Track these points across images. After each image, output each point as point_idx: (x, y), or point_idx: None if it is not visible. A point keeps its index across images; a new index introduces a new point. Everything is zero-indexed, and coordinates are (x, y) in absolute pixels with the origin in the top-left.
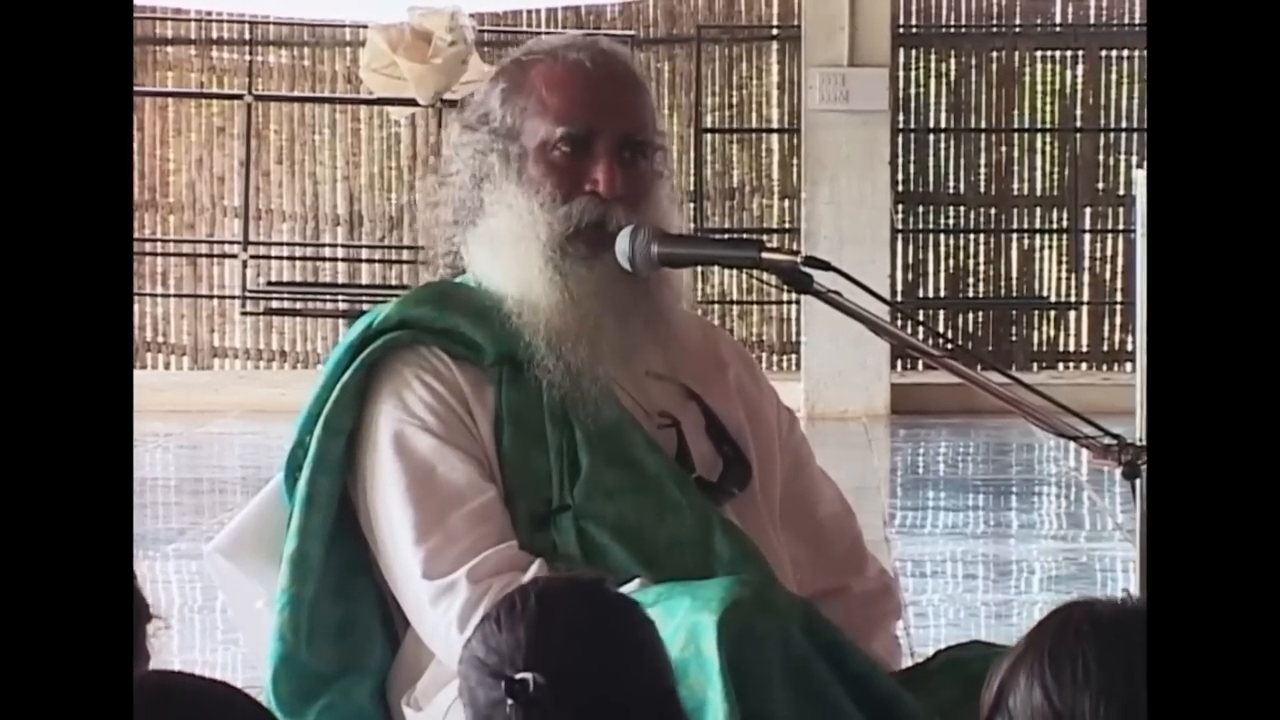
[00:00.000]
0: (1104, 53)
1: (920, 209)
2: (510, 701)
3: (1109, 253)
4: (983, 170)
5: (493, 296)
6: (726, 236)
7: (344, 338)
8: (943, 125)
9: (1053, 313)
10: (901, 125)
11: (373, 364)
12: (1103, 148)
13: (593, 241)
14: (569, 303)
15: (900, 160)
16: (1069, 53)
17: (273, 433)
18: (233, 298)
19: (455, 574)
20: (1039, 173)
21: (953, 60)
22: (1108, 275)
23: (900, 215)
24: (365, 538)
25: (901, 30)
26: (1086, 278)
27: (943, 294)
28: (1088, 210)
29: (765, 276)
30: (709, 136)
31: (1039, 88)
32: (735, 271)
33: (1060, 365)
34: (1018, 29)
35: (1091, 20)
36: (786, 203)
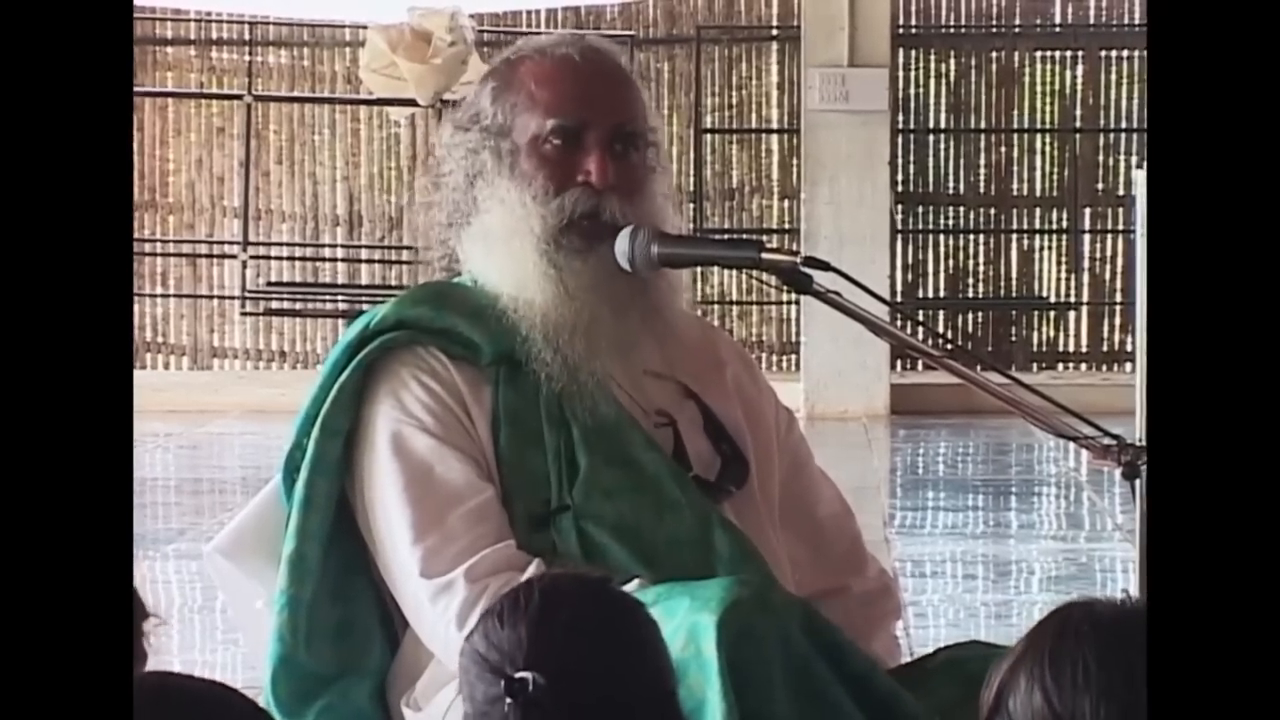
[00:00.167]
0: (1104, 53)
1: (920, 209)
2: (509, 700)
3: (1109, 253)
4: (982, 170)
5: (489, 295)
6: (726, 237)
7: (341, 338)
8: (942, 125)
9: (1052, 313)
10: (901, 126)
11: (370, 364)
12: (1102, 148)
13: (587, 234)
14: (564, 296)
15: (900, 160)
16: (1069, 53)
17: (272, 433)
18: (232, 298)
19: (453, 573)
20: (1039, 173)
21: (952, 60)
22: (1107, 275)
23: (900, 215)
24: (363, 538)
25: (901, 30)
26: (1086, 278)
27: (942, 294)
28: (1087, 210)
29: (765, 277)
30: (709, 137)
31: (1039, 88)
32: (735, 272)
33: (1060, 365)
34: (1017, 29)
35: (1091, 20)
36: (786, 203)
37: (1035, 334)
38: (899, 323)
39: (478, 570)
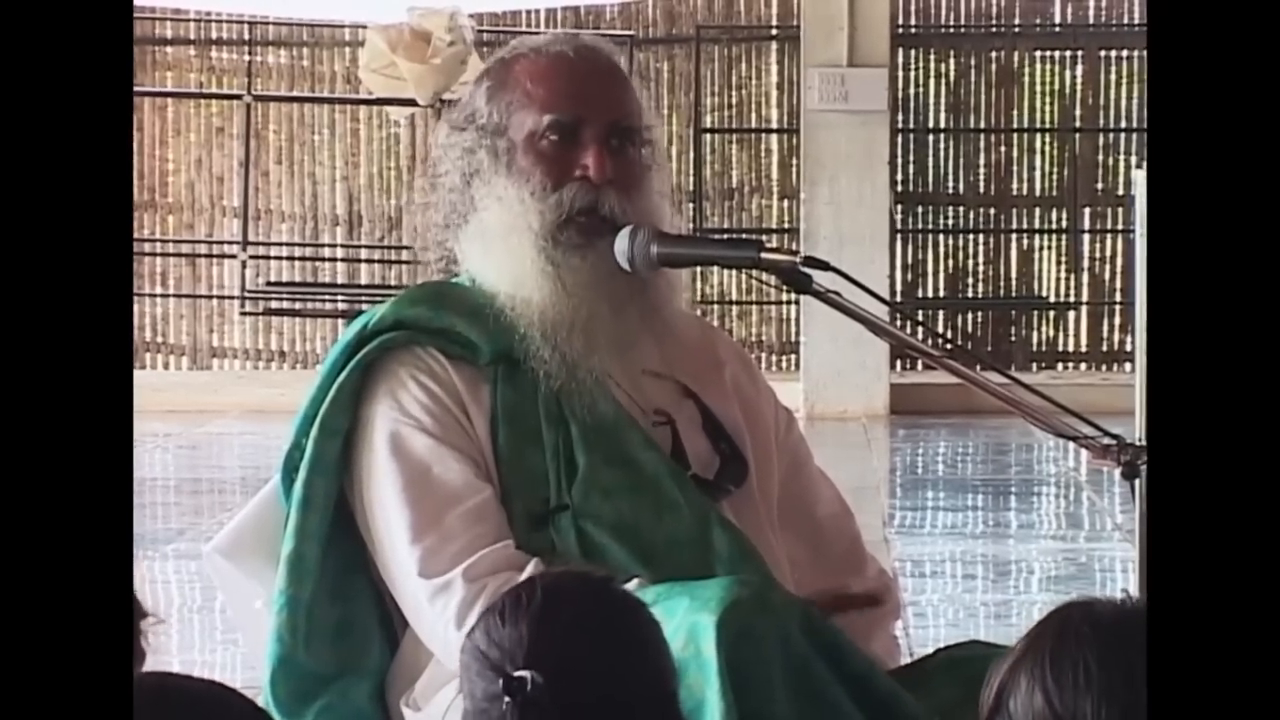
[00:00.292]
0: (1103, 53)
1: (919, 209)
2: (507, 699)
3: (1108, 253)
4: (982, 170)
5: (487, 294)
6: (726, 237)
7: (340, 339)
8: (942, 125)
9: (1052, 313)
10: (901, 125)
11: (368, 365)
12: (1102, 148)
13: (585, 230)
14: (562, 293)
15: (899, 160)
16: (1068, 53)
17: (272, 433)
18: (232, 298)
19: (451, 573)
20: (1038, 173)
21: (952, 60)
22: (1107, 275)
23: (899, 215)
24: (362, 538)
25: (901, 30)
26: (1086, 278)
27: (942, 294)
28: (1087, 210)
29: (764, 277)
30: (708, 137)
31: (1038, 88)
32: (734, 272)
33: (1059, 365)
34: (1017, 29)
35: (1091, 20)
36: (786, 203)
37: (1035, 334)
38: (898, 322)
39: (476, 570)
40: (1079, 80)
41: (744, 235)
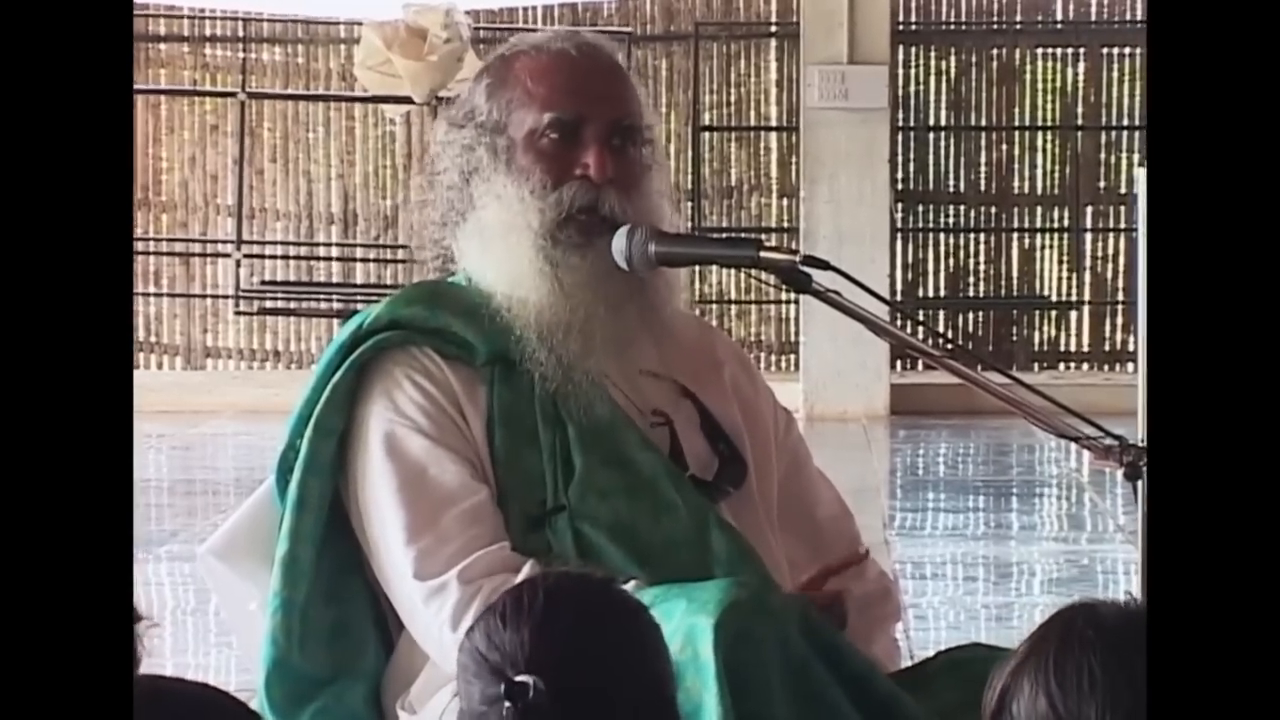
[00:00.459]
0: (1105, 50)
1: (920, 208)
2: (508, 704)
3: (1110, 252)
4: (983, 169)
5: (483, 294)
6: (724, 235)
7: (334, 338)
8: (943, 123)
9: (1054, 312)
10: (901, 123)
11: (363, 364)
12: (1104, 146)
13: (585, 228)
14: (559, 294)
15: (900, 158)
16: (1070, 50)
17: (266, 434)
18: (226, 297)
19: (446, 575)
20: (1040, 171)
21: (953, 57)
22: (1109, 274)
23: (900, 214)
24: (357, 539)
25: (901, 27)
26: (1088, 277)
27: (943, 293)
28: (1089, 209)
29: (764, 276)
30: (707, 134)
31: (1040, 85)
32: (733, 271)
33: (1061, 365)
34: (1018, 26)
35: (1093, 17)
36: (785, 201)
37: (1036, 333)
38: (899, 322)
39: (471, 572)
40: (1081, 77)
41: (743, 234)
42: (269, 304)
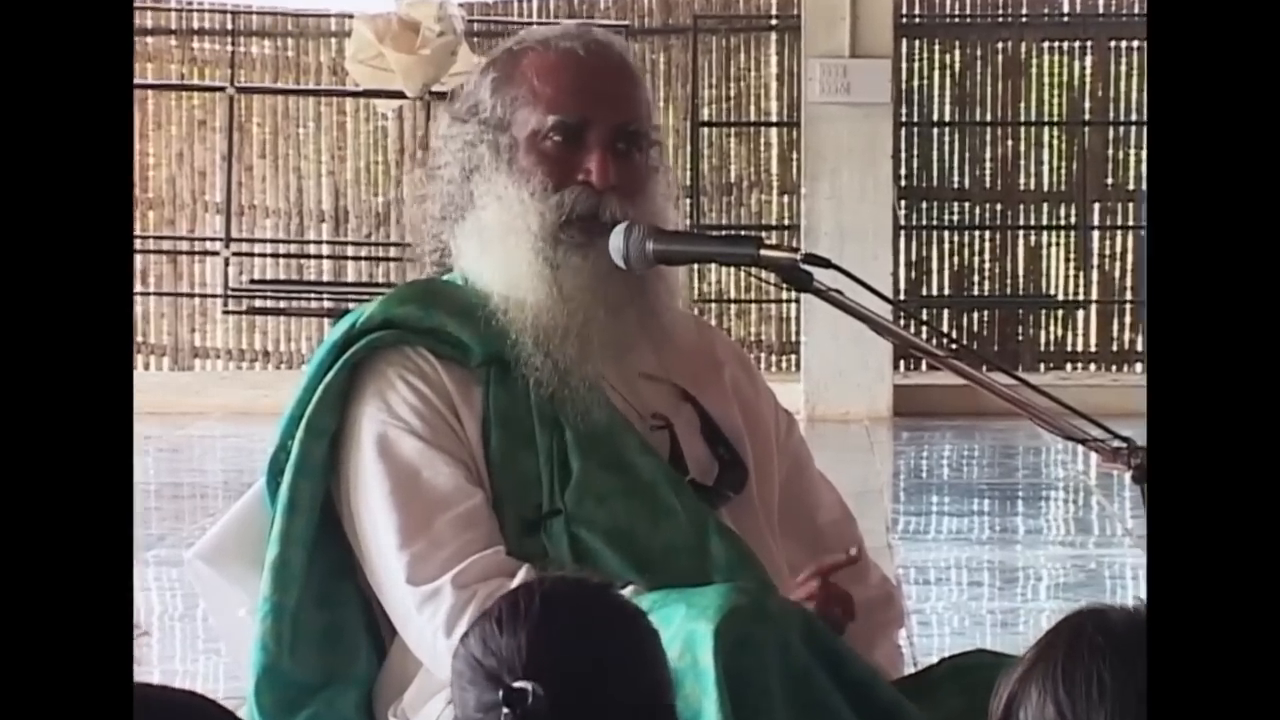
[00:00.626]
0: (1113, 43)
1: (924, 204)
2: (505, 709)
3: (1118, 249)
4: (988, 165)
5: (480, 294)
6: (724, 233)
7: (327, 337)
8: (947, 118)
9: (1060, 311)
10: (904, 118)
11: (356, 364)
12: (1112, 141)
13: (586, 230)
14: (557, 298)
15: (903, 154)
16: (1077, 43)
17: (255, 435)
18: (214, 296)
19: (440, 580)
20: (1046, 167)
21: (957, 51)
22: (1117, 273)
23: (903, 211)
24: (349, 543)
25: (904, 20)
26: (1095, 275)
27: (947, 292)
28: (1096, 206)
29: (764, 274)
30: (706, 130)
31: (1046, 79)
32: (733, 269)
33: (1068, 366)
34: (1024, 19)
35: (1100, 10)
36: (786, 198)
37: (1043, 333)
38: (902, 322)
39: (465, 576)
40: (1088, 71)
41: (743, 232)
42: (258, 303)
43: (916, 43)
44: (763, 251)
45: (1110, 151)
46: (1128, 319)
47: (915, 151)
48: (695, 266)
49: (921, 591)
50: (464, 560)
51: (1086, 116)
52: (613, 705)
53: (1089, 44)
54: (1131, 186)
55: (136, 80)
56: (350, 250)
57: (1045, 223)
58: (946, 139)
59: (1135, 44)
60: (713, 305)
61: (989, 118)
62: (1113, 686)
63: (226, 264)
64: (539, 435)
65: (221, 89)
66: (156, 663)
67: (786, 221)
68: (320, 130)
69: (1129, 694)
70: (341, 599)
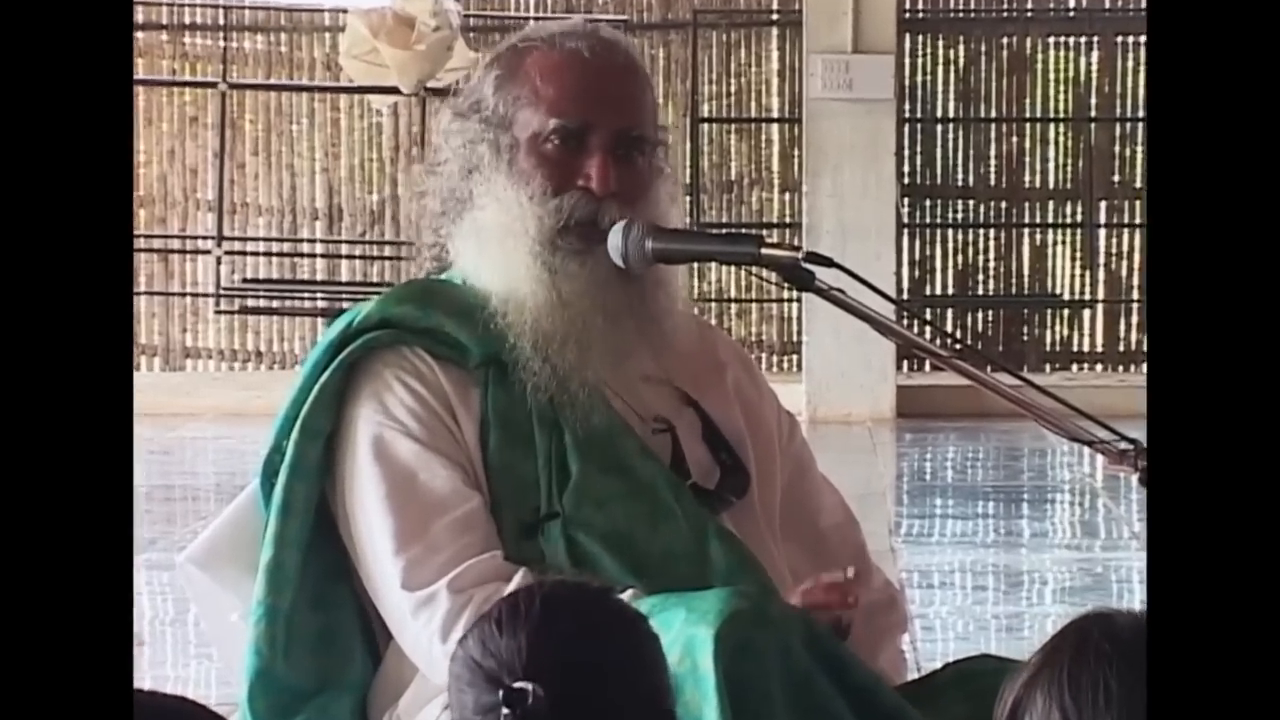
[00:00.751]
0: (1120, 38)
1: (927, 202)
2: (506, 710)
3: (1125, 248)
4: (993, 162)
5: (478, 295)
6: (724, 231)
7: (323, 337)
8: (951, 114)
9: (1066, 311)
10: (908, 115)
11: (352, 365)
12: (1118, 138)
13: (585, 236)
14: (557, 303)
15: (906, 151)
16: (1083, 39)
17: (248, 437)
18: (206, 296)
19: (436, 585)
20: (1052, 164)
21: (961, 46)
22: (1124, 272)
23: (906, 209)
24: (344, 545)
25: (908, 15)
26: (1102, 274)
27: (951, 291)
28: (1103, 204)
29: (765, 274)
30: (706, 126)
31: (1052, 75)
32: (733, 268)
33: (1074, 366)
34: (1029, 14)
35: (1106, 4)
36: (787, 196)
37: (1048, 333)
38: (905, 321)
39: (461, 581)
40: (1094, 67)
41: (743, 230)
42: (251, 303)
43: (920, 38)
44: (764, 250)
45: (1117, 148)
46: (1135, 319)
47: (919, 148)
48: (695, 265)
49: (925, 596)
50: (460, 565)
51: (1093, 113)
52: (613, 709)
53: (1095, 39)
54: (1139, 184)
55: None
56: (344, 249)
57: (1051, 221)
58: (950, 136)
59: (1142, 39)
60: (713, 305)
61: (994, 114)
62: (1119, 693)
63: (218, 263)
64: (538, 437)
65: (213, 85)
66: (148, 668)
67: (788, 220)
68: (314, 127)
69: (1135, 700)
70: (336, 602)
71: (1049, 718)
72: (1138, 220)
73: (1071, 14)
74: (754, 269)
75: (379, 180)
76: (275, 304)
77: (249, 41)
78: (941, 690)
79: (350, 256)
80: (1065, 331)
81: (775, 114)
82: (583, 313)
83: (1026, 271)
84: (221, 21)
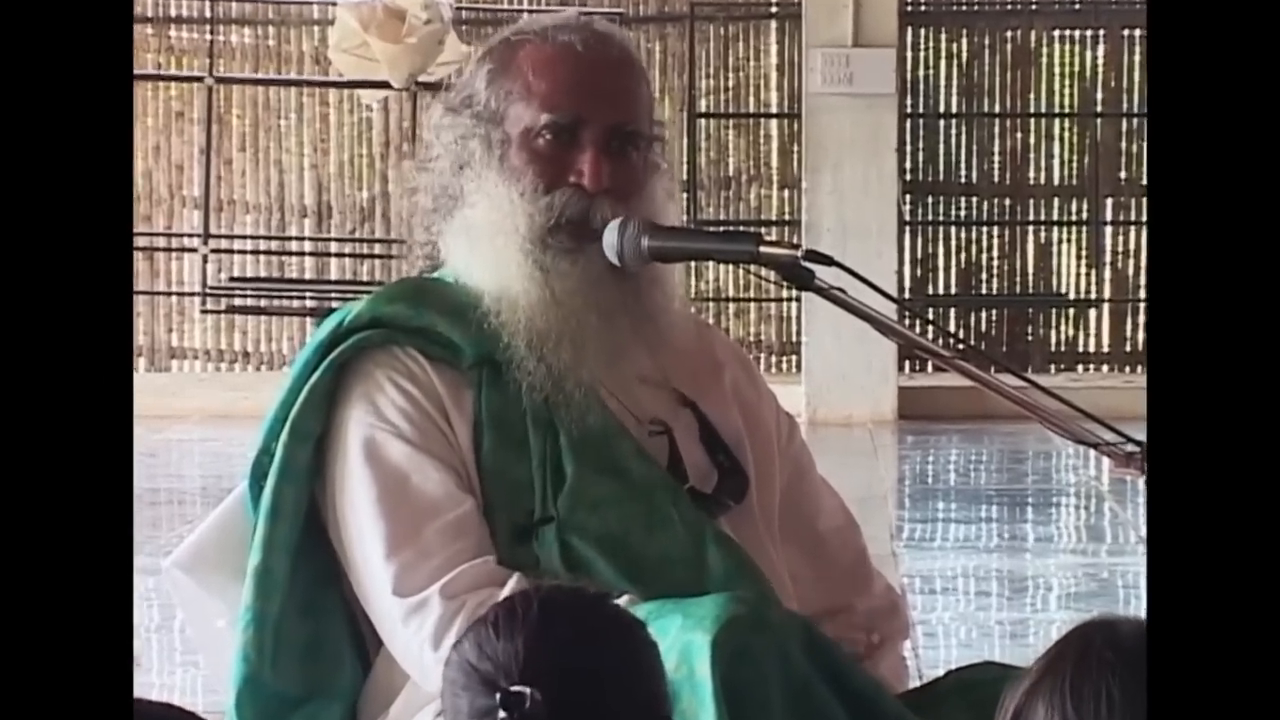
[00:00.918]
0: (1126, 32)
1: (930, 199)
2: (503, 713)
3: (1131, 246)
4: (997, 158)
5: (471, 293)
6: (722, 229)
7: (312, 337)
8: (954, 110)
9: (1071, 311)
10: (909, 110)
11: (343, 365)
12: (1125, 134)
13: (577, 234)
14: (550, 301)
15: (908, 147)
16: (1089, 32)
17: (235, 439)
18: (192, 295)
19: (427, 590)
20: (1057, 161)
21: (964, 40)
22: (1130, 270)
23: (908, 206)
24: (334, 550)
25: (909, 8)
26: (1108, 273)
27: (954, 291)
28: (1109, 201)
29: (763, 272)
30: (703, 122)
31: (1057, 69)
32: (731, 267)
33: (1079, 367)
34: (1034, 7)
35: None
36: (786, 193)
37: (1053, 333)
38: (907, 321)
39: (454, 587)
40: (1100, 61)
41: (741, 228)
42: (238, 302)
43: (922, 31)
44: (762, 248)
45: (1123, 144)
46: (1141, 318)
47: (921, 144)
48: (692, 264)
49: (927, 601)
50: (453, 570)
51: (1099, 108)
52: (610, 715)
53: (1101, 33)
54: (1145, 181)
55: None
56: (334, 247)
57: (1056, 218)
58: (953, 131)
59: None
60: (711, 304)
61: (997, 109)
62: (1122, 702)
63: (205, 261)
64: (532, 440)
65: (200, 79)
66: (134, 675)
67: (787, 217)
68: (302, 122)
69: (1139, 709)
70: (325, 608)
71: None
72: (1144, 218)
73: (1077, 7)
74: (753, 268)
75: (369, 177)
76: (263, 303)
77: (236, 35)
78: (944, 698)
79: (340, 254)
80: (1070, 331)
81: (774, 109)
82: (576, 311)
83: (1031, 270)
84: (208, 14)
